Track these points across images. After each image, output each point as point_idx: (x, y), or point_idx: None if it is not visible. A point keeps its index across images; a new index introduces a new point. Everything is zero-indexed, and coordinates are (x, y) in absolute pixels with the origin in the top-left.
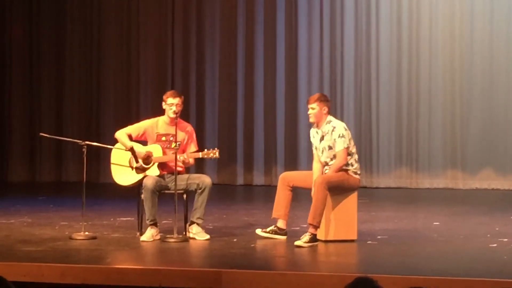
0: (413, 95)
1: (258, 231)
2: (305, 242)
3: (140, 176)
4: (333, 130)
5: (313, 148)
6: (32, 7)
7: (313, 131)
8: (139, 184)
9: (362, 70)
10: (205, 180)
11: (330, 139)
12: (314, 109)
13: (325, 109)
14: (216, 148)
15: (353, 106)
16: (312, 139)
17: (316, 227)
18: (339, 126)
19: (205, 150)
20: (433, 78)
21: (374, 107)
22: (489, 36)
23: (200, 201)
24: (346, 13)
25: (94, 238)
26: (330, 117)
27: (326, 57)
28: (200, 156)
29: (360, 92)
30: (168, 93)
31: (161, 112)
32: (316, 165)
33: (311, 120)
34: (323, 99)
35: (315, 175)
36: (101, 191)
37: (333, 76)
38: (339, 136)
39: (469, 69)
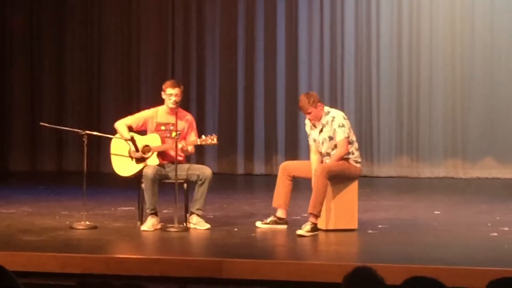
0: (413, 84)
1: (258, 224)
2: (306, 232)
3: (140, 166)
4: (332, 120)
5: (310, 140)
6: None
7: (309, 123)
8: (139, 174)
9: (362, 59)
10: (206, 171)
11: (330, 129)
12: (311, 113)
13: (320, 106)
14: (214, 134)
15: (354, 94)
16: (308, 130)
17: (317, 216)
18: (338, 116)
19: (203, 136)
20: (433, 66)
21: (375, 96)
22: (490, 23)
23: (200, 192)
24: (347, 1)
25: (94, 227)
26: (327, 108)
27: (326, 46)
28: (198, 143)
29: (361, 80)
30: (168, 83)
31: (162, 101)
32: (313, 157)
33: (313, 121)
34: (313, 100)
35: (313, 167)
36: (102, 181)
37: (334, 65)
38: (339, 126)
39: (470, 57)
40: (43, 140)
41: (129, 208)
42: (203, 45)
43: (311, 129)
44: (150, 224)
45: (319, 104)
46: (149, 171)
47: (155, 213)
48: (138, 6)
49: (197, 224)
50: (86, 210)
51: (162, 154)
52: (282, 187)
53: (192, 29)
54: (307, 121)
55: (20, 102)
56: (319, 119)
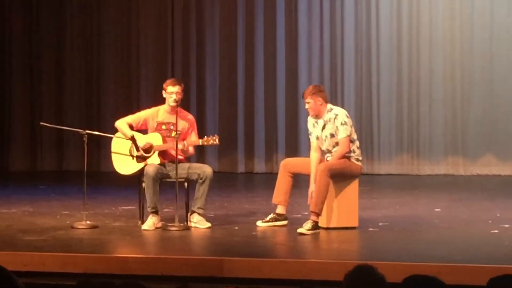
0: (413, 81)
1: (259, 223)
2: (307, 230)
3: (141, 165)
4: (335, 118)
5: (311, 137)
6: None
7: (312, 120)
8: (140, 173)
9: (362, 56)
10: (206, 170)
11: (332, 127)
12: (309, 102)
13: (320, 100)
14: (216, 135)
15: (354, 92)
16: (311, 128)
17: (318, 214)
18: (341, 114)
19: (205, 137)
20: (433, 64)
21: (375, 93)
22: (490, 19)
23: (201, 191)
24: None
25: (95, 227)
26: (330, 105)
27: (326, 43)
28: (200, 144)
29: (361, 78)
30: (168, 81)
31: (162, 101)
32: (313, 155)
33: (311, 113)
34: (315, 91)
35: (312, 165)
36: (102, 180)
37: (334, 62)
38: (341, 124)
39: (470, 54)
40: (44, 139)
41: (130, 207)
42: (202, 44)
43: (314, 126)
44: (151, 223)
45: (320, 99)
46: (150, 170)
47: (156, 212)
48: (137, 6)
49: (198, 223)
50: (87, 209)
51: (162, 153)
52: (282, 183)
53: (192, 28)
54: (309, 118)
55: (20, 102)
56: (317, 113)
